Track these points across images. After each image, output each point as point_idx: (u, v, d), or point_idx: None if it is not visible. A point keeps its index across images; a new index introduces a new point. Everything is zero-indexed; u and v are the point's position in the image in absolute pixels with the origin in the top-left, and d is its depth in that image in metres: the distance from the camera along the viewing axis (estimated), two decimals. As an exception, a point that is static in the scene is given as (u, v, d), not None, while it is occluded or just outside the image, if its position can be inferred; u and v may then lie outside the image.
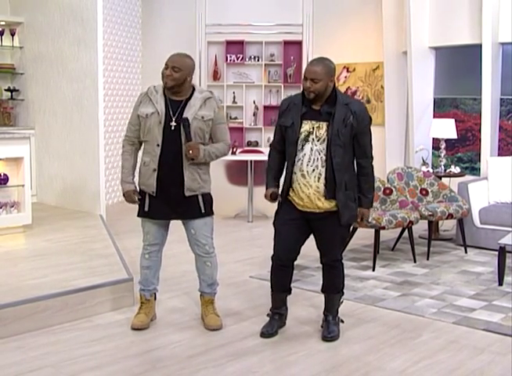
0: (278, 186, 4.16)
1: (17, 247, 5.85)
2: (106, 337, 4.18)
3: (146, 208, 4.21)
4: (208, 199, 4.26)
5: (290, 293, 4.33)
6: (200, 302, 4.49)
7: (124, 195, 4.29)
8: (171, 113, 4.11)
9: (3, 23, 8.10)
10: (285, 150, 4.08)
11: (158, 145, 4.10)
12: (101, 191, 7.34)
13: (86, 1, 7.23)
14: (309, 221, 4.08)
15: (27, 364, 3.73)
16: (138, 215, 4.30)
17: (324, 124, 3.94)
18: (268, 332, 4.22)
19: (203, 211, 4.22)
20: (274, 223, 4.18)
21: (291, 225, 4.08)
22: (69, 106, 7.61)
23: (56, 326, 4.31)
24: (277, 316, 4.32)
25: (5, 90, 8.25)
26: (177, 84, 4.10)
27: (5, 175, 6.17)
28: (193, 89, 4.21)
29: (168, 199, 4.15)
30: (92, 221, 6.98)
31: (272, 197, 4.13)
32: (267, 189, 4.16)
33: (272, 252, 4.18)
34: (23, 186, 6.26)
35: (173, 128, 4.09)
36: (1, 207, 6.14)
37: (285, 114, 4.06)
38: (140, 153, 4.30)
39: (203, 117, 4.12)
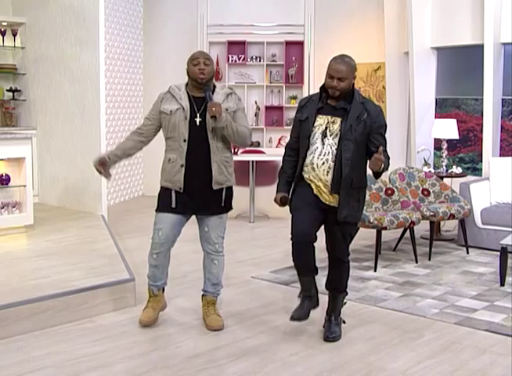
0: (289, 192, 4.14)
1: (19, 247, 5.86)
2: (107, 337, 4.18)
3: (174, 205, 4.21)
4: (230, 193, 4.33)
5: (316, 273, 4.12)
6: (202, 303, 4.49)
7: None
8: (196, 109, 4.17)
9: (5, 23, 8.11)
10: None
11: (185, 140, 4.15)
12: (102, 191, 7.34)
13: (88, 1, 7.24)
14: (325, 209, 4.04)
15: (28, 364, 3.73)
16: (161, 211, 4.24)
17: (338, 120, 3.97)
18: (298, 316, 4.07)
19: (222, 204, 4.27)
20: (291, 208, 4.08)
21: (309, 205, 3.99)
22: (70, 107, 7.62)
23: (58, 326, 4.31)
24: (308, 299, 4.14)
25: (7, 90, 8.25)
26: (210, 78, 4.18)
27: (6, 175, 6.17)
28: (214, 86, 4.28)
29: (195, 194, 4.19)
30: (94, 221, 6.98)
31: (281, 202, 4.13)
32: (278, 193, 4.16)
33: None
34: (24, 186, 6.27)
35: (198, 123, 4.16)
36: (3, 208, 6.15)
37: (302, 110, 4.11)
38: (157, 150, 4.30)
39: (227, 110, 4.19)
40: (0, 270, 4.99)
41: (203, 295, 4.48)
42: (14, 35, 8.17)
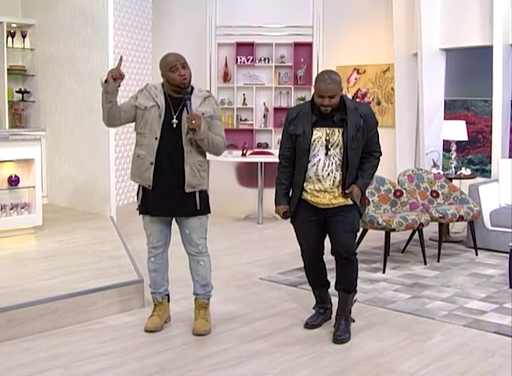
0: (288, 203, 4.26)
1: (28, 248, 5.88)
2: (116, 338, 4.19)
3: (139, 202, 4.23)
4: (205, 197, 4.25)
5: (328, 286, 4.46)
6: (194, 305, 4.42)
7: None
8: (172, 109, 4.11)
9: (14, 25, 8.15)
10: (294, 156, 4.19)
11: (156, 138, 4.09)
12: (111, 192, 7.36)
13: (97, 3, 7.27)
14: (324, 217, 4.19)
15: (37, 365, 3.74)
16: (140, 212, 4.30)
17: (336, 130, 4.07)
18: (311, 323, 4.43)
19: (198, 208, 4.19)
20: (293, 223, 4.31)
21: (310, 225, 4.22)
22: (79, 108, 7.64)
23: (67, 327, 4.32)
24: (322, 310, 4.50)
25: (17, 92, 8.29)
26: (189, 82, 4.13)
27: (16, 176, 6.19)
28: (192, 88, 4.21)
29: (166, 194, 4.13)
30: (103, 222, 7.00)
31: (285, 216, 4.25)
32: (278, 205, 4.28)
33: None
34: (33, 187, 6.29)
35: (174, 125, 4.09)
36: (12, 209, 6.17)
37: (294, 123, 4.15)
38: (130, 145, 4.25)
39: (203, 114, 4.13)
40: (9, 271, 5.01)
41: (195, 298, 4.41)
42: (23, 37, 8.21)
